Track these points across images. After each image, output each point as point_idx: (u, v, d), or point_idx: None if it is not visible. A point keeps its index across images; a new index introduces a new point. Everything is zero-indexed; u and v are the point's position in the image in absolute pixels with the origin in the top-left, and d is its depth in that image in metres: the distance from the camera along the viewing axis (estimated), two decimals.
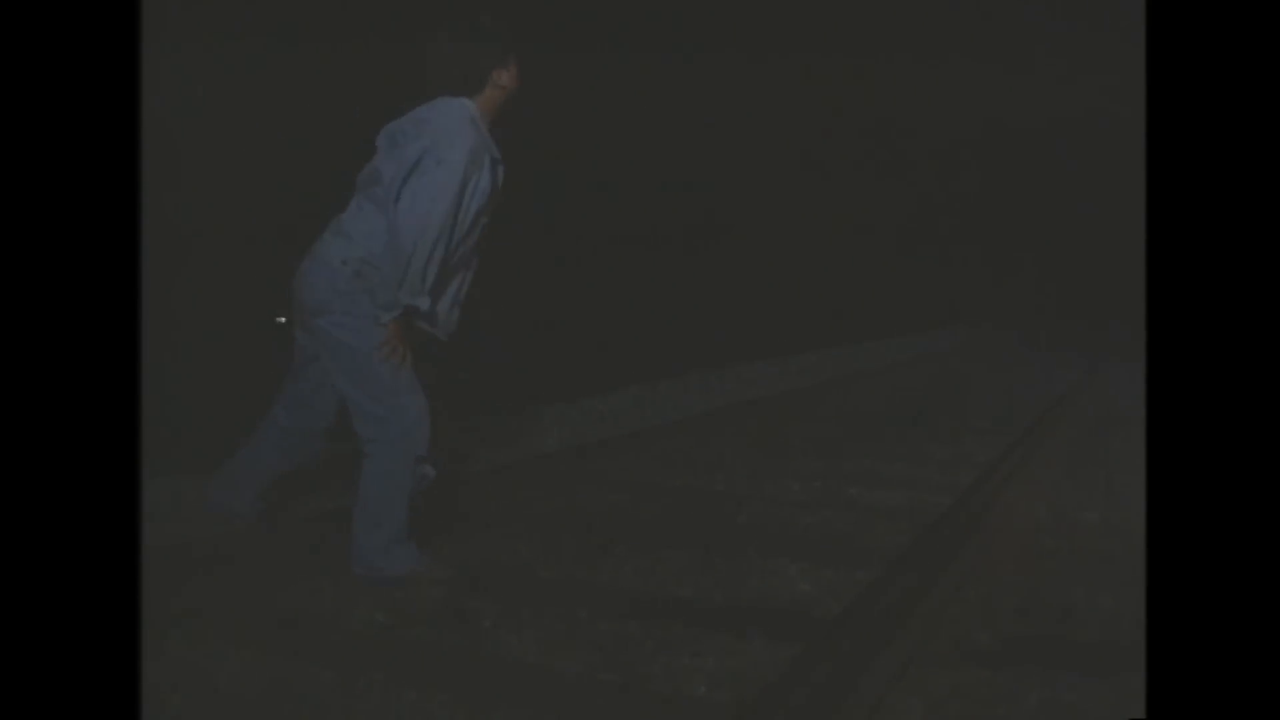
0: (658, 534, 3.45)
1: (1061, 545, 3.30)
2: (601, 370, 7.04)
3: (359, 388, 2.79)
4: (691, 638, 2.49)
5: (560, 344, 8.63)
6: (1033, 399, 7.59)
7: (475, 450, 4.69)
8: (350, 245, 2.76)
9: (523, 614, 2.66)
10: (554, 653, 2.40)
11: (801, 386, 8.13)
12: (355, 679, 2.23)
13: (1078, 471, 4.54)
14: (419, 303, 2.71)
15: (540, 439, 5.15)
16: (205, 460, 3.48)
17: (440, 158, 2.68)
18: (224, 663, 2.31)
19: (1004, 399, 7.65)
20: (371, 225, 2.75)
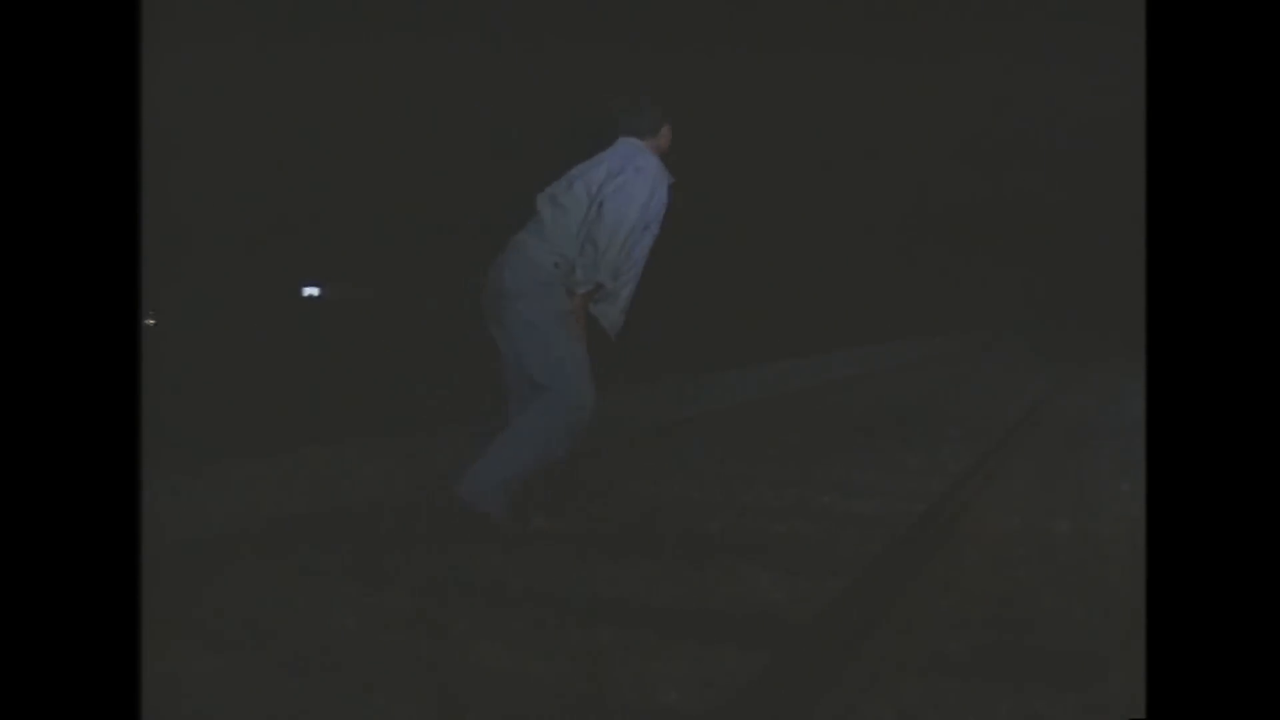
0: (629, 541, 3.44)
1: (1033, 555, 3.31)
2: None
3: (543, 354, 3.36)
4: (663, 645, 2.48)
5: None
6: (1009, 406, 7.63)
7: (445, 456, 4.67)
8: (552, 247, 3.39)
9: (493, 621, 2.64)
10: (524, 660, 2.39)
11: (778, 394, 8.14)
12: (325, 685, 2.21)
13: (1051, 480, 4.56)
14: (608, 281, 3.36)
15: None
16: (205, 460, 3.46)
17: (639, 166, 3.42)
18: (194, 666, 2.29)
19: (981, 406, 7.68)
20: (567, 233, 3.38)
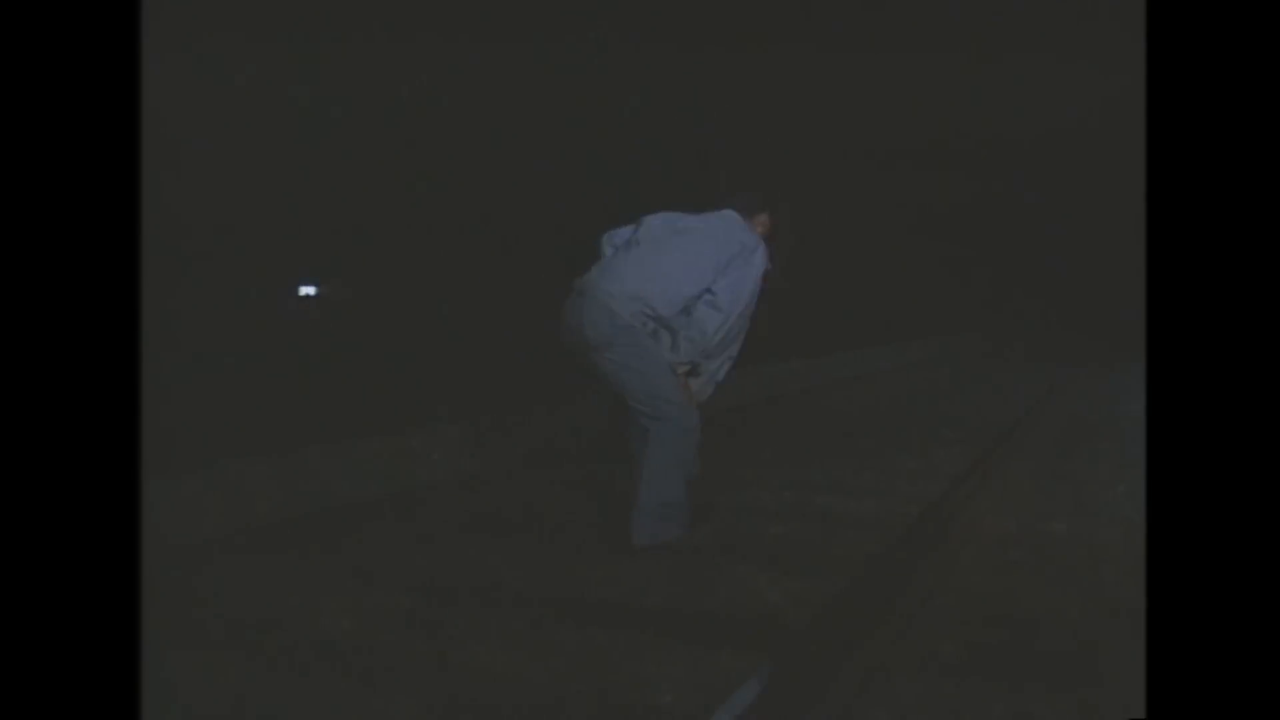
0: (626, 542, 3.44)
1: (1029, 556, 3.31)
2: (572, 377, 7.01)
3: (648, 391, 3.35)
4: (658, 646, 2.49)
5: (533, 348, 8.59)
6: (1006, 407, 7.64)
7: (443, 455, 4.67)
8: (635, 302, 3.33)
9: (489, 622, 2.64)
10: (520, 661, 2.39)
11: (775, 395, 8.14)
12: (322, 684, 2.21)
13: (1047, 482, 4.57)
14: (701, 359, 3.44)
15: (509, 445, 5.13)
16: (202, 460, 3.46)
17: (751, 253, 3.43)
18: (192, 665, 2.29)
19: (977, 407, 7.69)
20: (644, 275, 3.35)
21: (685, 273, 3.38)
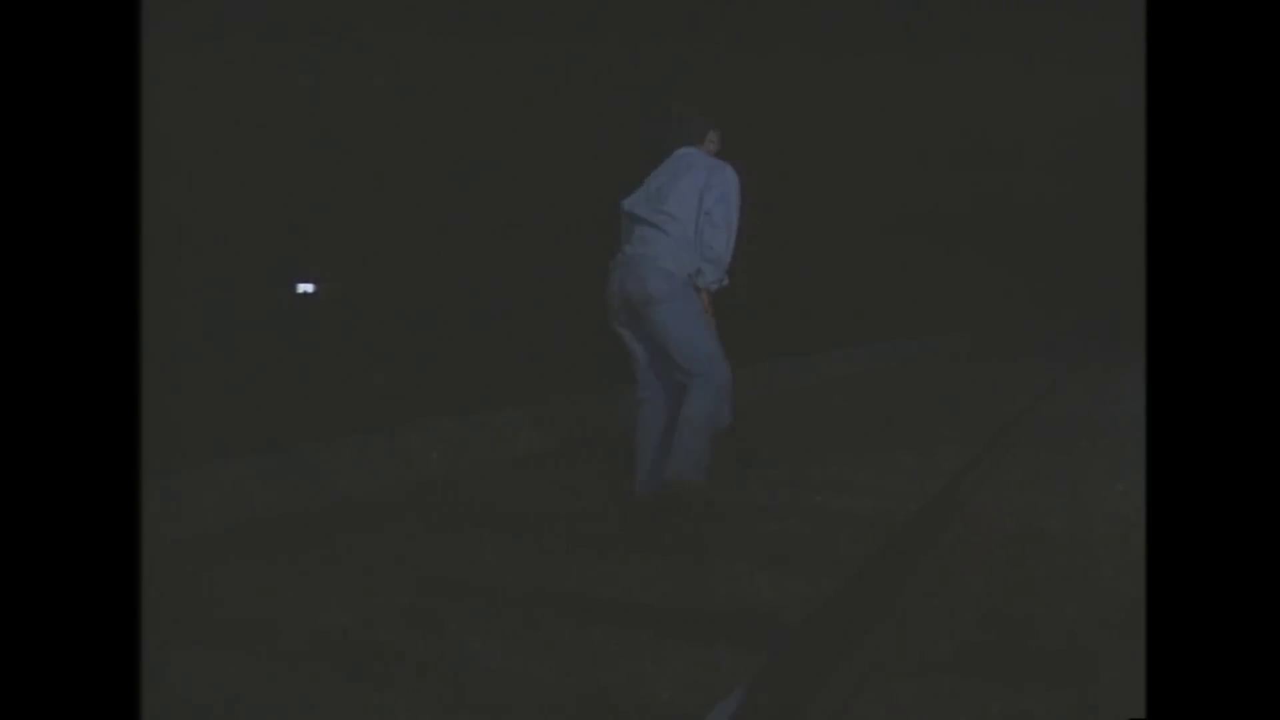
0: (623, 539, 3.44)
1: (1026, 554, 3.32)
2: (571, 373, 7.03)
3: (686, 348, 3.76)
4: (656, 644, 2.49)
5: (536, 346, 8.60)
6: (1004, 405, 7.64)
7: (441, 452, 4.67)
8: (680, 256, 3.78)
9: (487, 619, 2.65)
10: (518, 658, 2.39)
11: (774, 392, 8.14)
12: (320, 683, 2.22)
13: (1044, 480, 4.57)
14: (726, 278, 3.86)
15: (510, 441, 5.13)
16: (201, 458, 3.45)
17: (725, 177, 3.83)
18: (191, 664, 2.29)
19: (976, 405, 7.69)
20: (686, 241, 3.79)
21: (684, 213, 3.80)
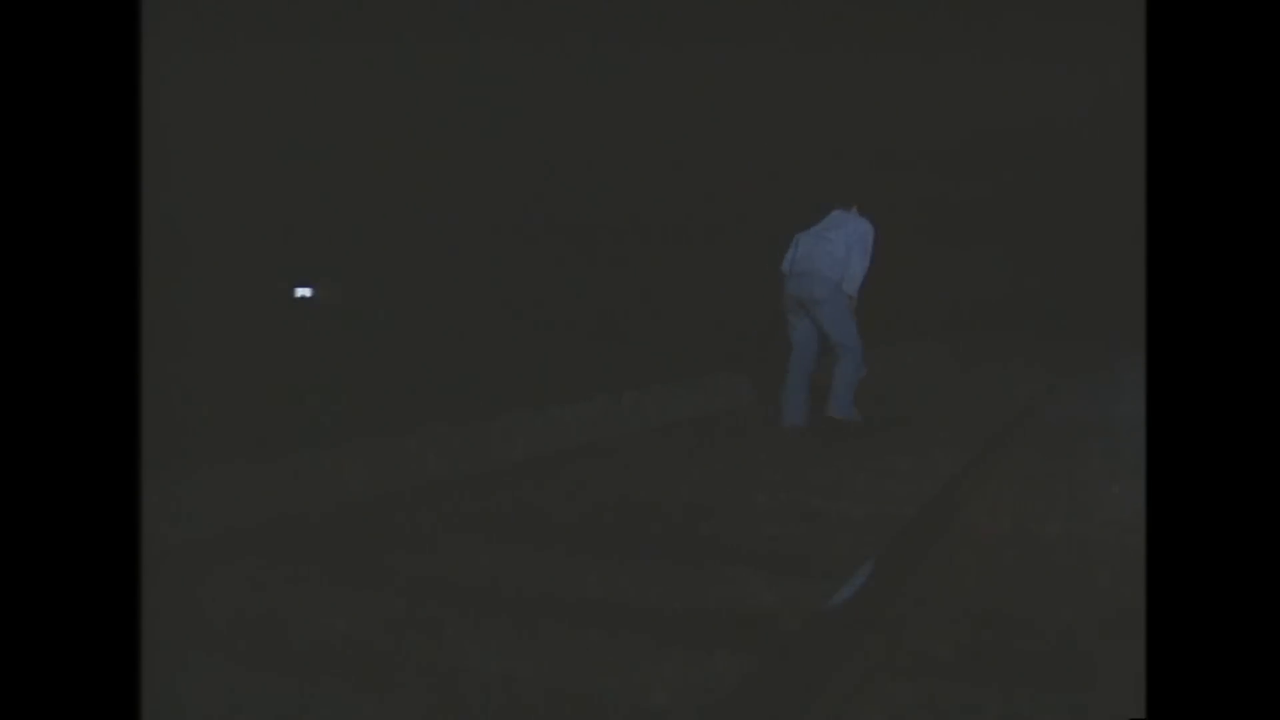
0: (620, 543, 3.45)
1: (1023, 557, 3.32)
2: (568, 379, 7.04)
3: (840, 331, 6.26)
4: (653, 648, 2.49)
5: (529, 351, 8.59)
6: (1000, 408, 7.64)
7: (439, 458, 4.67)
8: (834, 271, 6.23)
9: (485, 623, 2.65)
10: (515, 662, 2.39)
11: (772, 396, 8.14)
12: (317, 686, 2.22)
13: (1041, 483, 4.58)
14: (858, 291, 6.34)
15: (506, 447, 5.14)
16: (199, 462, 3.45)
17: (866, 228, 6.35)
18: (190, 666, 2.29)
19: (973, 408, 7.69)
20: (837, 261, 6.23)
21: (841, 249, 6.22)
